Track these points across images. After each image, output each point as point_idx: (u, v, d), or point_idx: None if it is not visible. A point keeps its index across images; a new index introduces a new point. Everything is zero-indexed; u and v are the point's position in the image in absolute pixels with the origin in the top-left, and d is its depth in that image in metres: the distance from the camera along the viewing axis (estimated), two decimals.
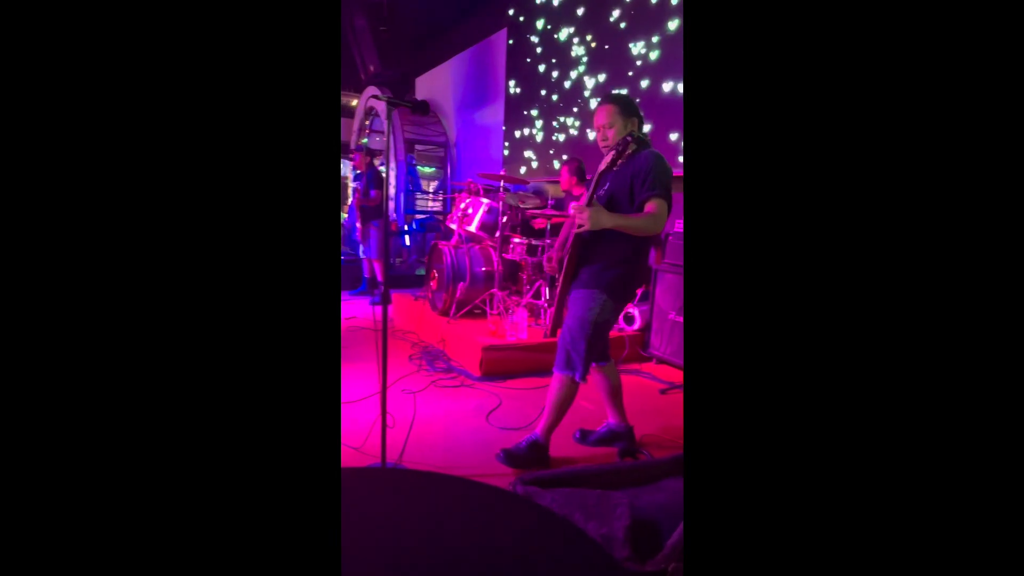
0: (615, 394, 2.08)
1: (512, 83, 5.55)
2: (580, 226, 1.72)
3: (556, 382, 1.91)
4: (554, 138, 4.95)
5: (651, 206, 1.74)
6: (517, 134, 5.50)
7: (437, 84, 7.37)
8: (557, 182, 4.48)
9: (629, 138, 1.70)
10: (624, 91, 4.11)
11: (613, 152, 1.70)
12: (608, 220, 1.70)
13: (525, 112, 5.34)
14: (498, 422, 2.35)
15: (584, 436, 2.16)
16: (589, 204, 1.70)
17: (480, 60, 6.35)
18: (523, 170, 5.39)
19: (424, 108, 1.84)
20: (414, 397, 2.55)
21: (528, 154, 5.33)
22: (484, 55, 6.25)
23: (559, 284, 1.97)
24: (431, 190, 7.23)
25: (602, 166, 1.75)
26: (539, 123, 5.14)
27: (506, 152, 5.69)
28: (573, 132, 4.73)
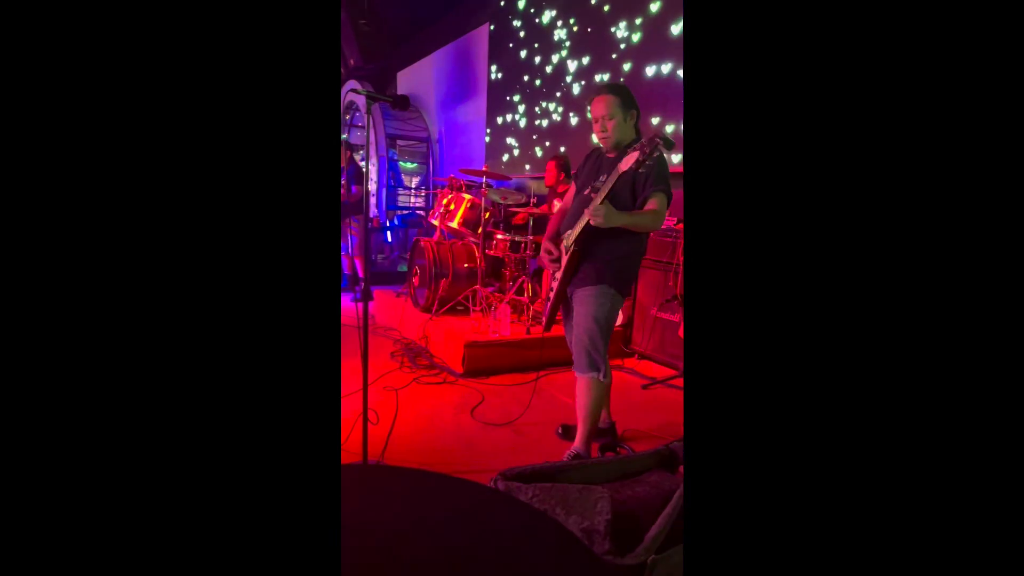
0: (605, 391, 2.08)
1: (494, 68, 5.52)
2: (588, 222, 1.71)
3: (584, 386, 1.87)
4: (537, 123, 4.93)
5: (653, 203, 1.74)
6: (499, 120, 5.46)
7: (419, 79, 7.31)
8: (540, 178, 4.48)
9: (658, 140, 1.62)
10: (607, 76, 4.09)
11: (637, 153, 1.63)
12: (617, 219, 1.69)
13: (508, 98, 5.30)
14: (481, 418, 2.35)
15: (567, 432, 2.17)
16: (603, 202, 1.69)
17: (462, 55, 6.32)
18: (505, 157, 5.37)
19: (404, 103, 1.82)
20: (396, 394, 2.53)
21: (510, 141, 5.31)
22: (466, 50, 6.21)
23: (556, 280, 1.93)
24: (413, 186, 7.18)
25: (624, 167, 1.67)
26: (522, 107, 5.11)
27: (488, 139, 5.66)
28: (556, 118, 4.72)
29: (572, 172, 2.12)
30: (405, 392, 2.59)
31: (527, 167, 5.09)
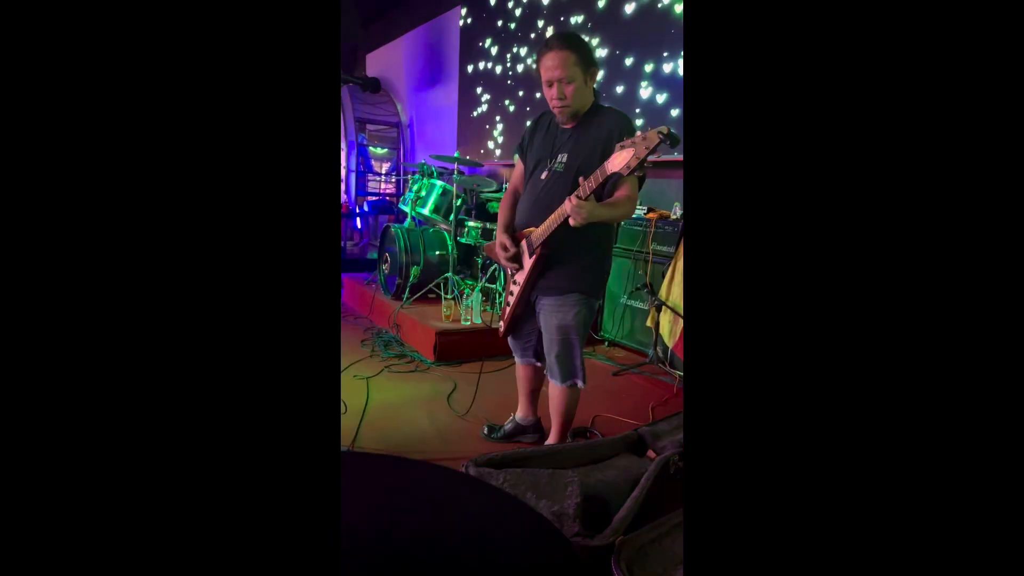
0: (538, 389, 2.00)
1: (464, 11, 5.39)
2: (559, 223, 1.53)
3: (560, 393, 1.78)
4: (509, 70, 4.83)
5: (625, 188, 1.54)
6: (470, 68, 5.34)
7: (389, 62, 7.15)
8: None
9: (661, 138, 1.28)
10: (580, 17, 3.86)
11: (632, 153, 1.34)
12: (598, 214, 1.48)
13: (480, 44, 5.17)
14: (454, 406, 2.35)
15: (491, 431, 2.09)
16: (587, 199, 1.45)
17: (434, 38, 6.20)
18: (476, 112, 5.26)
19: (375, 86, 1.80)
20: (367, 383, 2.51)
21: (481, 91, 5.19)
22: (438, 32, 6.09)
23: (516, 284, 1.77)
24: (384, 172, 7.05)
25: (613, 167, 1.39)
26: (494, 50, 5.01)
27: (456, 95, 5.55)
28: (532, 64, 4.62)
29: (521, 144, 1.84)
30: (376, 380, 2.57)
31: (497, 119, 4.99)
